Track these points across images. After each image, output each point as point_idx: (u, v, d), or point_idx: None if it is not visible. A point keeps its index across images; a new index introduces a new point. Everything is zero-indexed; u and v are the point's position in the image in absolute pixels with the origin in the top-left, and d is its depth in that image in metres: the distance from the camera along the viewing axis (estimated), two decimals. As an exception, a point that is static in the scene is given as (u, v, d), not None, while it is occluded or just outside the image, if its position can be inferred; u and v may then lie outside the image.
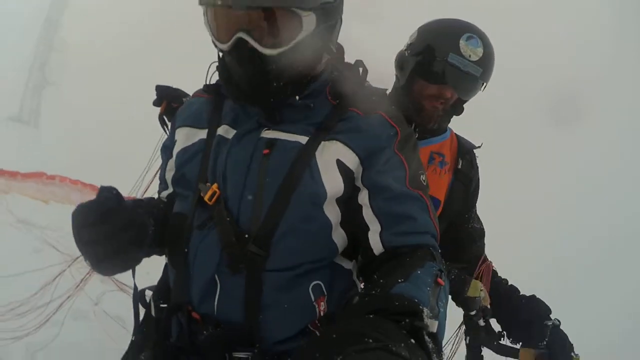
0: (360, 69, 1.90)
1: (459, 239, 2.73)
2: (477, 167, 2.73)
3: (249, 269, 1.60)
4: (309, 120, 1.72)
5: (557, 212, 8.42)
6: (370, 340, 1.08)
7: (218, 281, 1.65)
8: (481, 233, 2.83)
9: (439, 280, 1.48)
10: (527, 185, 7.89)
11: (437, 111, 2.49)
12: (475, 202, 2.82)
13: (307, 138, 1.67)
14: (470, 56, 2.41)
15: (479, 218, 2.88)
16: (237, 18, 1.54)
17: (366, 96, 1.81)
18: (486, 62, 2.48)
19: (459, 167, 2.64)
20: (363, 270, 1.78)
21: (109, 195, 1.61)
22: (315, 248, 1.67)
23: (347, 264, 1.82)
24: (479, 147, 2.75)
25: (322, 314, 1.66)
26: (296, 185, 1.61)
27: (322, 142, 1.66)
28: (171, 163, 1.96)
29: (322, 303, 1.66)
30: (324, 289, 1.69)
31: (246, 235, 1.62)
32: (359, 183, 1.69)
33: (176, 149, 1.90)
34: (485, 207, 2.90)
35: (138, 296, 1.91)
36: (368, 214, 1.66)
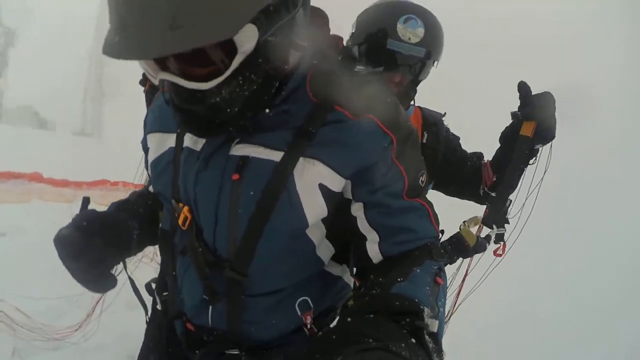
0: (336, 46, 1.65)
1: (454, 177, 2.70)
2: (446, 134, 2.72)
3: (229, 295, 1.53)
4: (287, 125, 1.44)
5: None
6: (371, 340, 1.06)
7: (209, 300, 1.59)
8: (465, 154, 2.77)
9: (438, 279, 1.41)
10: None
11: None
12: (456, 149, 2.76)
13: (283, 153, 1.42)
14: (410, 39, 2.35)
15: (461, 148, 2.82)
16: (159, 60, 1.27)
17: (355, 91, 1.48)
18: (430, 41, 2.40)
19: (424, 141, 2.63)
20: (359, 271, 1.65)
21: (81, 229, 1.53)
22: (298, 271, 1.55)
23: (337, 270, 1.69)
24: (444, 114, 2.75)
25: (309, 324, 1.58)
26: (270, 215, 1.42)
27: (301, 159, 1.40)
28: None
29: (309, 317, 1.57)
30: (311, 303, 1.59)
31: (224, 262, 1.52)
32: (349, 195, 1.49)
33: (150, 158, 1.72)
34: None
35: (136, 288, 1.87)
36: (364, 226, 1.50)
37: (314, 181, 1.42)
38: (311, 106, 1.46)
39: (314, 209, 1.45)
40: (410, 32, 2.34)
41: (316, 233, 1.53)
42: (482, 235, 2.47)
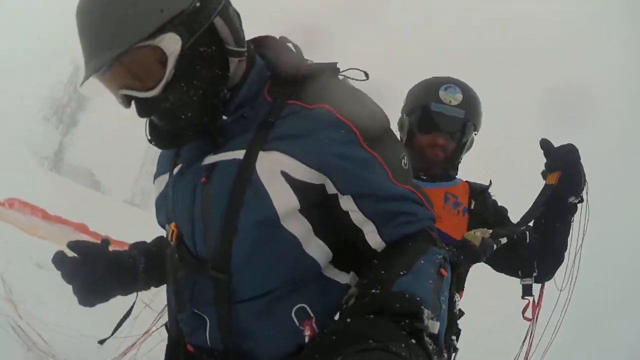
0: (291, 45, 1.70)
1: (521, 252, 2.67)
2: (493, 202, 2.82)
3: (217, 302, 1.52)
4: (249, 128, 1.52)
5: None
6: (371, 341, 1.06)
7: (205, 315, 1.56)
8: (523, 234, 2.69)
9: (442, 271, 1.37)
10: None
11: (438, 157, 2.68)
12: (504, 220, 2.78)
13: (245, 150, 1.49)
14: (450, 102, 2.65)
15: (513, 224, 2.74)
16: (110, 79, 1.45)
17: (306, 82, 1.54)
18: (468, 104, 2.68)
19: (472, 207, 2.75)
20: (363, 262, 1.56)
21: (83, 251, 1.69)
22: (284, 269, 1.50)
23: (344, 278, 1.58)
24: (489, 186, 2.86)
25: (307, 336, 1.48)
26: (240, 210, 1.46)
27: (261, 153, 1.46)
28: None
29: (307, 327, 1.48)
30: (310, 311, 1.50)
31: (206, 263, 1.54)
32: (333, 190, 1.47)
33: (154, 200, 1.85)
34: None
35: (125, 319, 1.96)
36: (358, 218, 1.46)
37: (275, 169, 1.45)
38: (269, 107, 1.53)
39: (281, 197, 1.45)
40: (450, 97, 2.65)
41: (297, 226, 1.49)
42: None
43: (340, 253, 1.57)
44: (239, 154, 1.48)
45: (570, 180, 2.39)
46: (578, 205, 2.50)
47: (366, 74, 1.64)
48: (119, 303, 1.84)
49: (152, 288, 1.96)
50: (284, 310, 1.50)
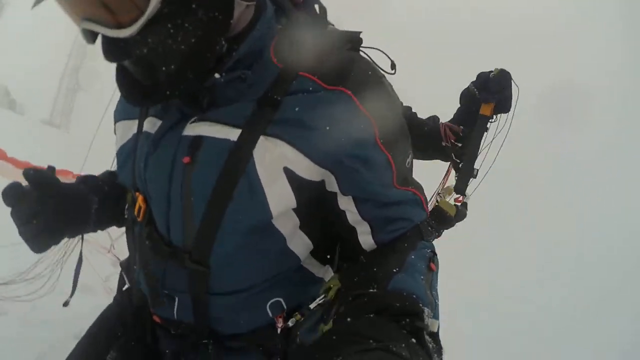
0: (317, 6, 1.49)
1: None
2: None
3: (191, 291, 1.43)
4: (248, 95, 1.28)
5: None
6: (371, 341, 1.04)
7: (175, 296, 1.48)
8: (420, 119, 2.92)
9: (432, 265, 1.33)
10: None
11: None
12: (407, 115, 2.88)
13: (241, 130, 1.26)
14: None
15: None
16: (73, 5, 1.12)
17: (326, 53, 1.31)
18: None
19: None
20: (348, 259, 1.53)
21: (37, 179, 1.42)
22: (266, 266, 1.43)
23: (319, 270, 1.56)
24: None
25: (279, 327, 1.47)
26: (227, 204, 1.28)
27: (262, 138, 1.25)
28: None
29: (280, 319, 1.46)
30: (284, 304, 1.48)
31: (183, 253, 1.41)
32: (333, 189, 1.34)
33: (116, 147, 1.61)
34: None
35: (79, 269, 1.78)
36: (354, 219, 1.37)
37: (277, 164, 1.26)
38: (275, 74, 1.29)
39: (279, 198, 1.29)
40: None
41: (286, 224, 1.38)
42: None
43: (320, 245, 1.52)
44: (233, 133, 1.26)
45: (503, 107, 2.60)
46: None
47: (393, 64, 1.45)
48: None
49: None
50: (259, 303, 1.47)
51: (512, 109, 2.63)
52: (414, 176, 1.53)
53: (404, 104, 2.81)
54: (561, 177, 9.29)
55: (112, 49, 1.14)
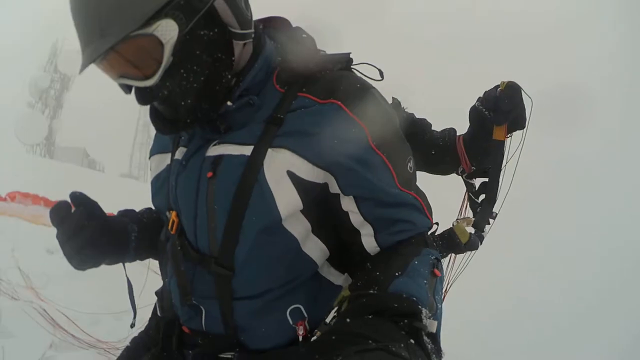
0: (304, 36, 1.64)
1: (426, 146, 2.70)
2: (407, 114, 2.72)
3: (218, 297, 1.52)
4: (257, 118, 1.47)
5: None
6: (370, 341, 1.06)
7: (200, 305, 1.57)
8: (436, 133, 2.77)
9: (436, 271, 1.37)
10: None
11: None
12: (425, 130, 2.76)
13: (253, 147, 1.43)
14: None
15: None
16: (107, 67, 1.38)
17: (318, 73, 1.49)
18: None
19: None
20: (355, 264, 1.57)
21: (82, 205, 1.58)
22: (282, 269, 1.50)
23: (338, 279, 1.61)
24: (395, 99, 2.71)
25: (302, 335, 1.50)
26: (245, 209, 1.44)
27: (270, 150, 1.42)
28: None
29: (301, 327, 1.49)
30: (305, 312, 1.52)
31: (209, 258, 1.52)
32: (336, 190, 1.44)
33: (150, 178, 1.80)
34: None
35: (132, 293, 1.89)
36: (357, 220, 1.45)
37: (281, 169, 1.40)
38: (278, 98, 1.47)
39: (286, 199, 1.42)
40: None
41: (297, 227, 1.47)
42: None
43: (336, 252, 1.57)
44: (246, 150, 1.44)
45: (517, 125, 2.37)
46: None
47: (381, 72, 1.62)
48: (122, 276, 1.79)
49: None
50: (279, 309, 1.50)
51: (526, 122, 2.41)
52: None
53: (407, 110, 2.81)
54: (561, 177, 9.08)
55: (143, 95, 1.39)
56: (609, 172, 9.75)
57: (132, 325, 1.87)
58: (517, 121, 2.33)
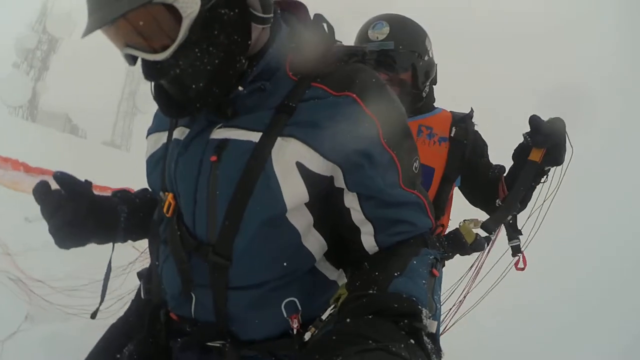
0: (325, 25, 1.61)
1: (476, 180, 2.83)
2: (474, 131, 2.87)
3: (212, 285, 1.48)
4: (266, 105, 1.43)
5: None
6: (370, 341, 1.06)
7: (192, 293, 1.54)
8: (490, 163, 2.88)
9: (434, 271, 1.36)
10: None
11: (397, 94, 2.48)
12: (484, 153, 2.88)
13: (262, 134, 1.39)
14: (377, 37, 2.69)
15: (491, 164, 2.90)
16: (115, 35, 1.30)
17: (333, 65, 1.47)
18: (397, 34, 2.72)
19: (452, 134, 2.80)
20: (352, 262, 1.55)
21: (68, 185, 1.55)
22: (281, 261, 1.47)
23: (332, 274, 1.60)
24: (471, 113, 2.88)
25: (295, 329, 1.49)
26: (249, 197, 1.39)
27: (279, 139, 1.38)
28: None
29: (295, 320, 1.48)
30: (299, 305, 1.50)
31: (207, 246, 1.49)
32: (341, 184, 1.42)
33: (145, 157, 1.75)
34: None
35: (108, 279, 1.84)
36: (358, 218, 1.43)
37: (290, 160, 1.37)
38: (291, 85, 1.43)
39: (293, 191, 1.39)
40: (377, 33, 2.70)
41: (300, 220, 1.45)
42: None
43: (333, 247, 1.56)
44: (254, 136, 1.39)
45: (554, 157, 2.40)
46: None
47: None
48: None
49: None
50: (275, 302, 1.49)
51: (564, 167, 2.45)
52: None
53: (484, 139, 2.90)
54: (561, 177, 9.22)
55: (151, 70, 1.33)
56: (609, 172, 9.86)
57: (93, 316, 1.81)
58: (555, 153, 2.37)
